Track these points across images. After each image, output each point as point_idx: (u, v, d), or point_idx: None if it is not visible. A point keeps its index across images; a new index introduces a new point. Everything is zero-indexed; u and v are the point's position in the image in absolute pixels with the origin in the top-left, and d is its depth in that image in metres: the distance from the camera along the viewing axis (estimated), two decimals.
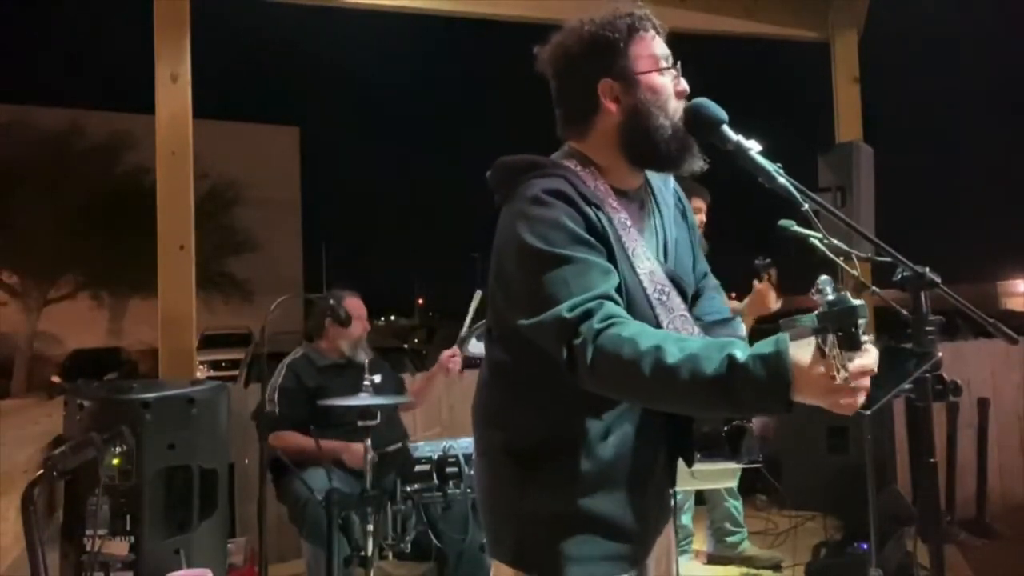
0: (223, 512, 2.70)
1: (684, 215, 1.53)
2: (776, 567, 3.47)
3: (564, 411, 1.30)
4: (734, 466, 1.39)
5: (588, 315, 1.15)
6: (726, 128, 1.30)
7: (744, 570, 3.47)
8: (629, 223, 1.34)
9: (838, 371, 0.95)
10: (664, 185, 1.49)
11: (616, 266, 1.27)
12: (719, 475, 1.47)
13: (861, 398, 1.02)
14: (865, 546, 3.04)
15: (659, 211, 1.44)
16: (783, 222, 2.79)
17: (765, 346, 1.04)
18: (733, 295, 3.40)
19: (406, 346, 11.67)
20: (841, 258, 2.55)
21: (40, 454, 3.09)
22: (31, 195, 15.40)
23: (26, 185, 15.48)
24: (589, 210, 1.27)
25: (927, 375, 1.43)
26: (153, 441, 2.43)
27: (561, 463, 1.29)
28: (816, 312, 0.97)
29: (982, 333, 4.88)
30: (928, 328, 1.42)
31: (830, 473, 4.14)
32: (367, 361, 3.19)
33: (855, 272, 2.55)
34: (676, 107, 1.34)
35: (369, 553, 2.58)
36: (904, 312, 1.49)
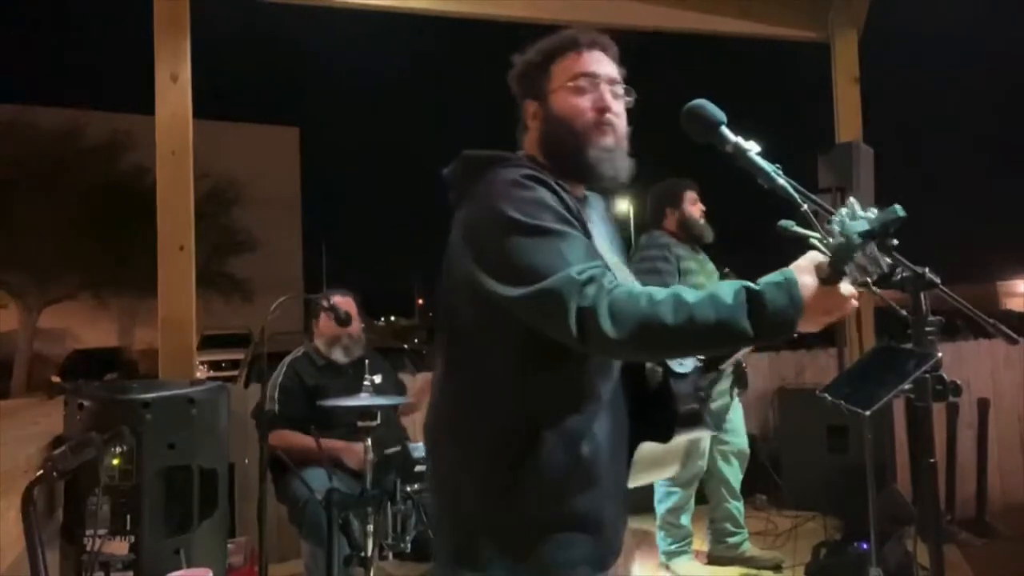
0: (223, 512, 2.70)
1: (610, 222, 1.57)
2: (777, 567, 3.47)
3: (538, 412, 1.27)
4: (705, 433, 1.43)
5: (594, 278, 1.15)
6: (725, 129, 1.30)
7: (745, 570, 3.47)
8: (588, 212, 1.39)
9: (862, 276, 1.06)
10: (596, 203, 1.52)
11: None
12: (663, 463, 1.48)
13: (854, 303, 1.14)
14: (865, 546, 3.04)
15: (596, 217, 1.48)
16: (783, 222, 2.80)
17: (775, 276, 1.11)
18: None
19: (406, 346, 11.65)
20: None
21: (40, 454, 3.09)
22: (31, 195, 15.38)
23: (26, 185, 15.46)
24: (563, 193, 1.31)
25: (927, 375, 1.43)
26: (153, 441, 2.43)
27: (538, 466, 1.26)
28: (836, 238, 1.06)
29: (982, 333, 4.89)
30: (928, 328, 1.42)
31: (830, 473, 4.15)
32: (366, 356, 3.19)
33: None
34: (588, 122, 1.38)
35: (369, 553, 2.58)
36: (904, 312, 1.49)
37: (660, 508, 3.47)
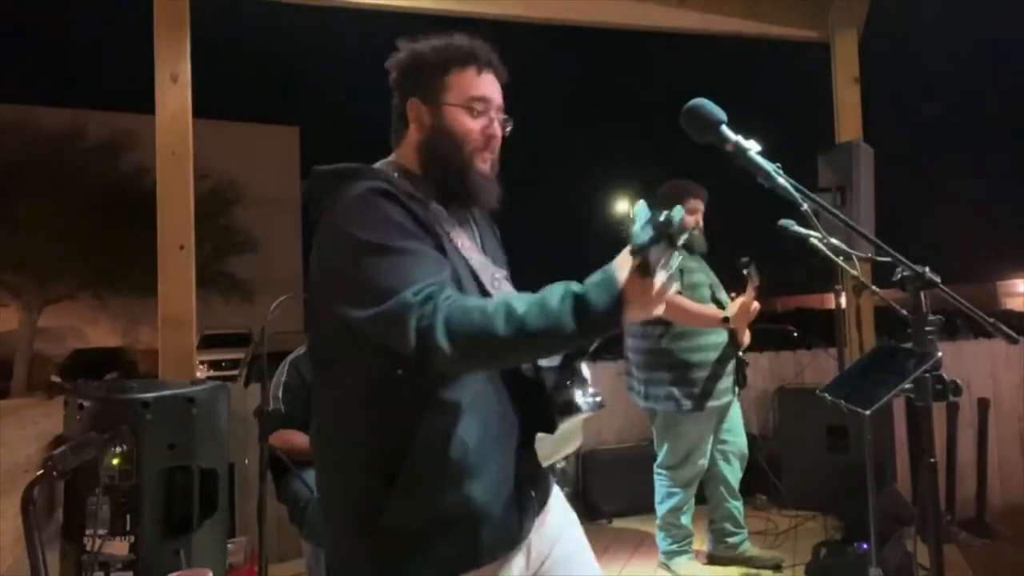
0: (223, 512, 2.70)
1: (492, 226, 1.58)
2: (777, 567, 3.47)
3: (410, 412, 1.27)
4: (585, 416, 1.44)
5: (429, 298, 1.17)
6: (725, 128, 1.31)
7: (745, 570, 3.47)
8: (453, 221, 1.40)
9: (662, 267, 1.11)
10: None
11: (447, 256, 1.31)
12: (571, 437, 1.50)
13: (673, 290, 1.15)
14: (865, 546, 3.04)
15: (474, 219, 1.49)
16: (783, 222, 2.81)
17: (597, 275, 1.15)
18: (732, 295, 3.41)
19: None
20: (841, 258, 2.56)
21: (40, 454, 3.10)
22: (32, 195, 15.39)
23: (26, 185, 15.46)
24: (414, 205, 1.30)
25: (927, 375, 1.43)
26: (153, 441, 2.43)
27: (417, 468, 1.27)
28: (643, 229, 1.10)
29: (982, 333, 4.90)
30: (928, 328, 1.42)
31: (830, 473, 4.15)
32: None
33: (855, 272, 2.56)
34: (475, 147, 1.40)
35: None
36: (904, 312, 1.49)
37: (660, 508, 3.47)
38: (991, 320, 1.49)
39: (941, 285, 1.42)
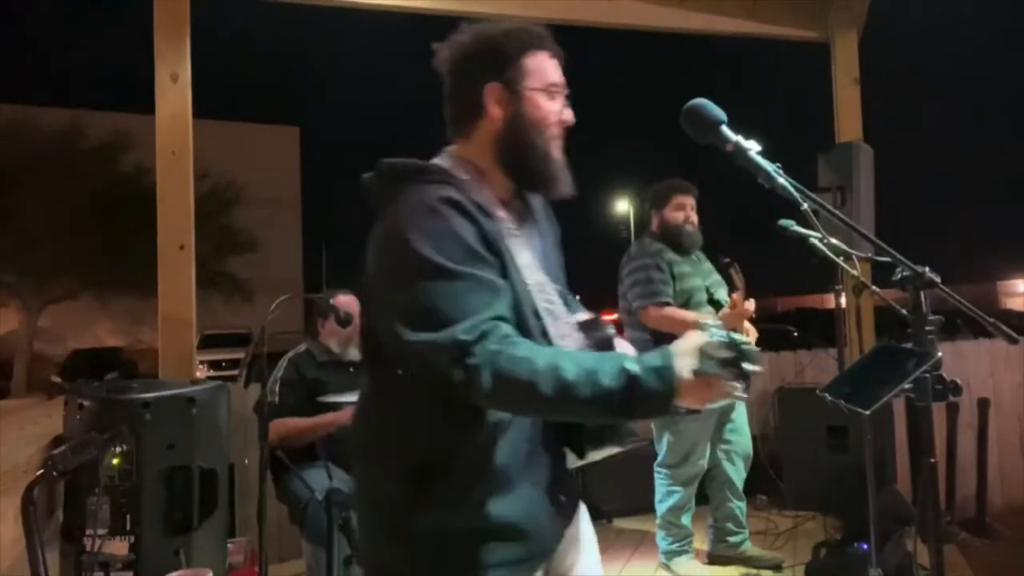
0: (223, 512, 2.70)
1: (550, 218, 1.54)
2: (777, 567, 3.47)
3: (451, 422, 1.26)
4: (619, 450, 1.43)
5: (483, 336, 1.14)
6: (725, 128, 1.30)
7: (745, 570, 3.47)
8: (515, 232, 1.34)
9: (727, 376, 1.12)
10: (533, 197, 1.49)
11: (508, 278, 1.26)
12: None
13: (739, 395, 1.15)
14: (865, 546, 3.04)
15: (535, 218, 1.46)
16: (783, 222, 2.80)
17: (654, 359, 1.13)
18: (733, 295, 3.40)
19: None
20: (841, 258, 2.56)
21: (40, 454, 3.10)
22: (31, 195, 15.39)
23: (26, 185, 15.46)
24: (482, 219, 1.25)
25: (927, 375, 1.43)
26: (153, 441, 2.43)
27: (457, 475, 1.26)
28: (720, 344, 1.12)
29: (982, 333, 4.90)
30: (928, 328, 1.42)
31: (830, 473, 4.15)
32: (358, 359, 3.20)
33: (855, 272, 2.56)
34: (554, 133, 1.37)
35: None
36: (904, 312, 1.49)
37: (661, 507, 3.46)
38: (991, 320, 1.49)
39: (941, 285, 1.42)
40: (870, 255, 1.66)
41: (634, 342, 3.36)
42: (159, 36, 3.55)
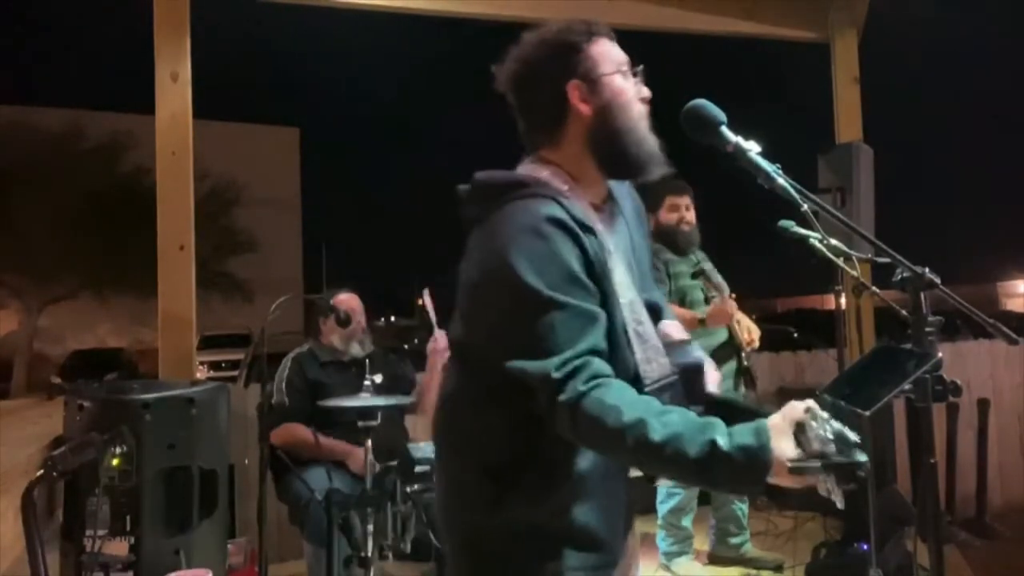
0: (223, 512, 2.70)
1: (639, 213, 1.52)
2: (778, 568, 3.46)
3: (536, 426, 1.26)
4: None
5: (574, 373, 1.14)
6: (725, 129, 1.30)
7: (745, 571, 3.47)
8: (611, 247, 1.31)
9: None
10: (619, 184, 1.46)
11: (606, 303, 1.26)
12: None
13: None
14: (865, 546, 3.04)
15: (623, 216, 1.44)
16: (783, 223, 2.80)
17: (746, 435, 1.06)
18: (733, 296, 3.40)
19: (406, 346, 11.66)
20: (841, 259, 2.55)
21: (40, 454, 3.10)
22: (31, 195, 15.38)
23: (26, 185, 15.46)
24: (585, 239, 1.23)
25: (927, 375, 1.43)
26: (153, 441, 2.43)
27: (538, 476, 1.27)
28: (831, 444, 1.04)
29: (982, 333, 4.89)
30: (928, 328, 1.42)
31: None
32: (367, 355, 3.20)
33: (855, 272, 2.56)
34: (641, 111, 1.35)
35: (369, 553, 2.58)
36: (904, 312, 1.49)
37: (662, 508, 3.46)
38: (991, 321, 1.49)
39: (941, 286, 1.42)
40: (870, 256, 1.66)
41: None
42: (159, 36, 3.55)
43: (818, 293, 24.96)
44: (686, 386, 1.34)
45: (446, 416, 1.41)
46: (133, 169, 16.52)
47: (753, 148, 1.29)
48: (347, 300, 3.27)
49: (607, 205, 1.41)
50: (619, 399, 1.13)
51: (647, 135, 1.34)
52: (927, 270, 1.41)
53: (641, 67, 1.37)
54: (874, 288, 2.92)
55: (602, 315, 1.23)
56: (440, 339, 2.95)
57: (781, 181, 1.29)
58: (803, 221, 1.42)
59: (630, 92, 1.34)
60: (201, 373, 13.21)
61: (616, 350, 1.26)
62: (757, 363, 4.68)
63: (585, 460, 1.29)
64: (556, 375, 1.14)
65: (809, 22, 4.72)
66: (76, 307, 18.51)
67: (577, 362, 1.15)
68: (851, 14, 4.66)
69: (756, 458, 1.04)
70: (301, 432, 2.97)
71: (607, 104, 1.32)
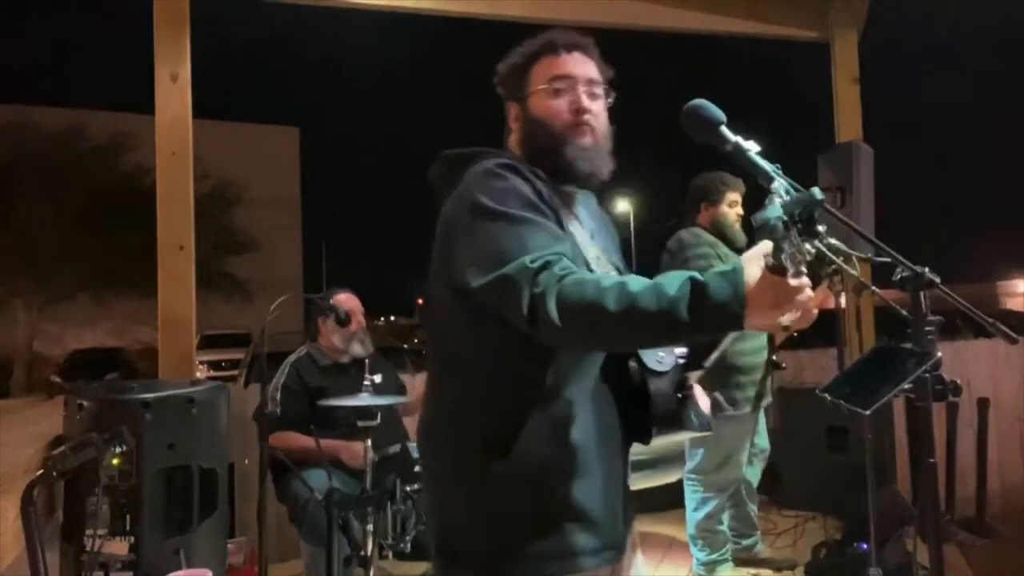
0: (223, 512, 2.71)
1: (608, 226, 1.58)
2: (791, 567, 3.45)
3: (526, 400, 1.28)
4: (689, 435, 1.39)
5: (548, 265, 1.16)
6: (724, 129, 1.30)
7: (752, 571, 3.45)
8: (567, 209, 1.40)
9: (796, 266, 0.98)
10: (587, 202, 1.52)
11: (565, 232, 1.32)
12: (670, 462, 1.46)
13: (804, 317, 1.07)
14: (865, 546, 3.04)
15: (589, 221, 1.48)
16: None
17: (725, 266, 1.09)
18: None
19: (406, 346, 11.66)
20: (841, 258, 2.55)
21: (40, 454, 3.09)
22: (32, 195, 15.40)
23: (27, 185, 15.47)
24: (539, 184, 1.33)
25: (927, 375, 1.43)
26: (153, 441, 2.43)
27: (528, 450, 1.27)
28: (779, 203, 1.03)
29: (982, 333, 4.89)
30: (928, 328, 1.42)
31: (830, 473, 4.15)
32: (368, 356, 3.19)
33: (855, 272, 2.56)
34: (567, 121, 1.40)
35: (369, 553, 2.58)
36: (904, 312, 1.49)
37: (695, 517, 3.30)
38: (991, 320, 1.49)
39: (941, 285, 1.42)
40: (870, 255, 1.66)
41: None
42: (159, 36, 3.55)
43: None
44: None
45: (430, 410, 1.43)
46: (133, 169, 16.53)
47: (753, 148, 1.29)
48: (347, 300, 3.27)
49: (569, 195, 1.45)
50: (594, 275, 1.19)
51: (568, 145, 1.39)
52: (927, 270, 1.41)
53: (583, 79, 1.43)
54: (874, 287, 2.92)
55: (564, 236, 1.29)
56: None
57: (781, 181, 1.29)
58: None
59: (550, 107, 1.41)
60: (201, 373, 13.21)
61: None
62: None
63: (577, 430, 1.28)
64: (532, 265, 1.16)
65: (809, 22, 4.73)
66: (76, 307, 18.50)
67: (550, 256, 1.18)
68: (851, 14, 4.66)
69: (731, 279, 1.04)
70: (295, 439, 2.96)
71: (528, 120, 1.44)
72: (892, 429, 4.05)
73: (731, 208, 3.36)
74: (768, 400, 3.35)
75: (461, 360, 1.36)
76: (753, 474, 3.49)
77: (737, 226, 3.35)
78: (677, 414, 1.32)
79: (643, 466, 1.38)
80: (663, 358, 1.33)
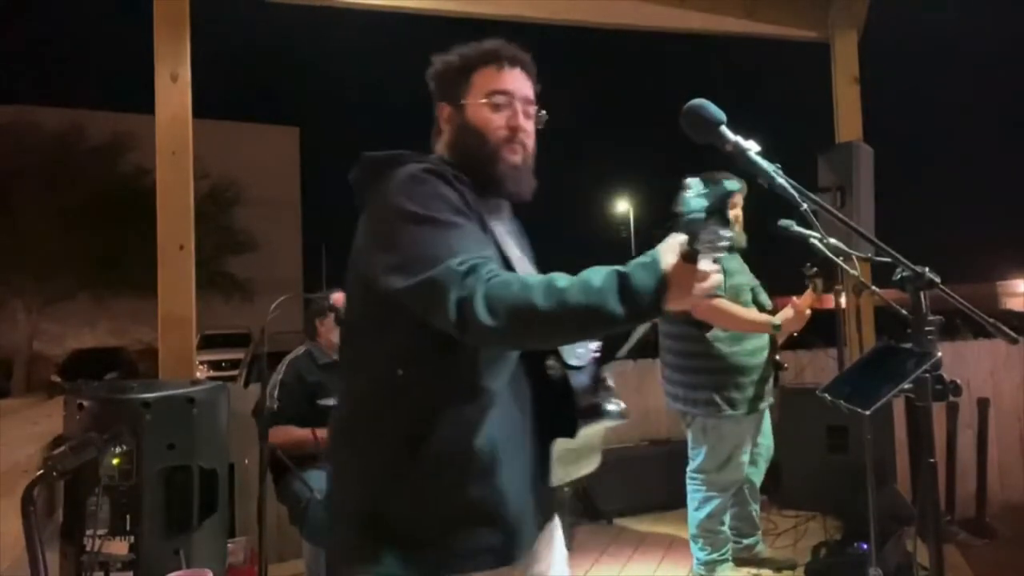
0: (223, 512, 2.70)
1: (524, 235, 1.58)
2: (792, 567, 3.45)
3: (429, 407, 1.29)
4: (610, 424, 1.41)
5: (475, 268, 1.17)
6: (724, 129, 1.30)
7: (752, 571, 3.45)
8: (491, 214, 1.41)
9: (713, 253, 1.08)
10: (504, 207, 1.53)
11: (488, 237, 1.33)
12: (589, 452, 1.49)
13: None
14: (865, 546, 3.04)
15: (504, 222, 1.49)
16: (783, 222, 2.80)
17: (643, 257, 1.14)
18: (795, 298, 3.26)
19: None
20: (841, 258, 2.56)
21: (40, 454, 3.10)
22: (32, 195, 15.41)
23: (27, 185, 15.48)
24: (461, 187, 1.34)
25: (927, 375, 1.43)
26: (153, 441, 2.43)
27: (431, 460, 1.28)
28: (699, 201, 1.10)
29: (982, 333, 4.89)
30: (928, 328, 1.42)
31: (830, 473, 4.15)
32: None
33: (855, 272, 2.56)
34: (502, 137, 1.42)
35: None
36: (904, 312, 1.49)
37: (697, 516, 3.29)
38: (991, 320, 1.49)
39: (941, 285, 1.42)
40: (870, 255, 1.66)
41: (681, 336, 3.32)
42: (159, 36, 3.55)
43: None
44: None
45: (340, 419, 1.42)
46: (133, 169, 16.54)
47: (753, 148, 1.29)
48: (341, 299, 3.27)
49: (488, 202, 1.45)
50: (519, 276, 1.20)
51: (498, 161, 1.41)
52: (927, 270, 1.41)
53: (522, 96, 1.44)
54: (874, 287, 2.92)
55: (488, 241, 1.31)
56: None
57: (781, 180, 1.29)
58: (803, 220, 1.42)
59: (488, 120, 1.42)
60: (201, 373, 13.22)
61: None
62: None
63: (490, 430, 1.29)
64: (458, 268, 1.17)
65: (809, 22, 4.73)
66: (76, 307, 18.50)
67: (476, 260, 1.19)
68: (851, 14, 4.66)
69: (650, 267, 1.10)
70: (294, 431, 2.97)
71: (462, 128, 1.44)
72: (892, 429, 4.05)
73: (732, 209, 3.34)
74: (770, 400, 3.34)
75: (366, 360, 1.36)
76: (758, 475, 3.49)
77: (738, 228, 3.29)
78: (598, 406, 1.36)
79: (566, 460, 1.39)
80: (580, 353, 1.38)
